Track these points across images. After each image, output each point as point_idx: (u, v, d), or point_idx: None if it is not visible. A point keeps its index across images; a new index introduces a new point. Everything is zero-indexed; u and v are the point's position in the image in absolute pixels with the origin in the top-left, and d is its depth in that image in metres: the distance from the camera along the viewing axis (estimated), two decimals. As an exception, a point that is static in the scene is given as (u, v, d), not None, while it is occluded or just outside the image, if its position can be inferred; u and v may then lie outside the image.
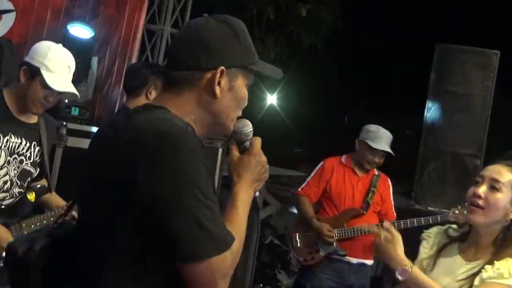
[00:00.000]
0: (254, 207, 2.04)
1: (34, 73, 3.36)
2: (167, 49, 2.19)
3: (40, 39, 6.53)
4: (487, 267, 2.72)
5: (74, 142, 5.48)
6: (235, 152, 2.04)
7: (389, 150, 5.33)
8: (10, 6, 6.34)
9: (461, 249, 2.88)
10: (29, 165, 3.54)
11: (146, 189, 1.73)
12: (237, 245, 1.82)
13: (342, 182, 5.35)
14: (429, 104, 6.81)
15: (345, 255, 5.21)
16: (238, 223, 1.91)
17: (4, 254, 3.03)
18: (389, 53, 10.72)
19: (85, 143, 5.31)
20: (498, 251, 2.77)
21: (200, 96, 1.95)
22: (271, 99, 16.02)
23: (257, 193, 2.04)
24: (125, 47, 8.14)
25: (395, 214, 5.52)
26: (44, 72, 3.34)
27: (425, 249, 2.99)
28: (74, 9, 7.23)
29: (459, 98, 6.70)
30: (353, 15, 11.89)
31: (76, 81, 5.97)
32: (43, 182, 3.71)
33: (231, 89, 1.98)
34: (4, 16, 6.26)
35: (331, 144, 5.96)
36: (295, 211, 5.99)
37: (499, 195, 2.74)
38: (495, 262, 2.73)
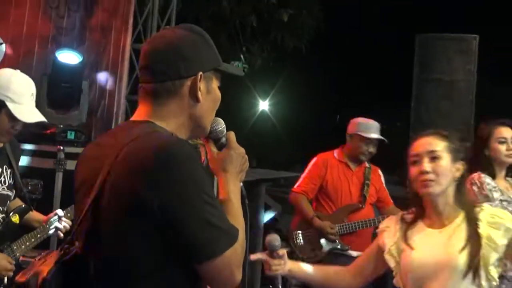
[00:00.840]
0: (242, 195, 2.07)
1: (1, 106, 3.30)
2: (141, 64, 2.13)
3: (30, 68, 6.58)
4: (483, 227, 2.81)
5: (73, 165, 5.44)
6: (214, 150, 2.10)
7: (382, 137, 5.37)
8: (-2, 39, 6.34)
9: (427, 224, 2.94)
10: (6, 189, 3.53)
11: (155, 203, 1.76)
12: (241, 235, 1.89)
13: (337, 177, 5.36)
14: (414, 93, 6.82)
15: (347, 250, 5.20)
16: (236, 215, 1.96)
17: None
18: (372, 50, 10.73)
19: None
20: (462, 206, 2.90)
21: (183, 103, 1.98)
22: (263, 105, 16.02)
23: (241, 184, 2.08)
24: (115, 69, 8.13)
25: (391, 201, 5.54)
26: (9, 105, 3.29)
27: (389, 239, 3.01)
28: (61, 37, 7.25)
29: (444, 85, 6.73)
30: (334, 16, 11.86)
31: (61, 105, 6.04)
32: (19, 202, 3.71)
33: (209, 92, 2.02)
34: (-4, 49, 6.24)
35: (323, 143, 5.92)
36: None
37: (442, 162, 2.85)
38: (478, 225, 2.82)
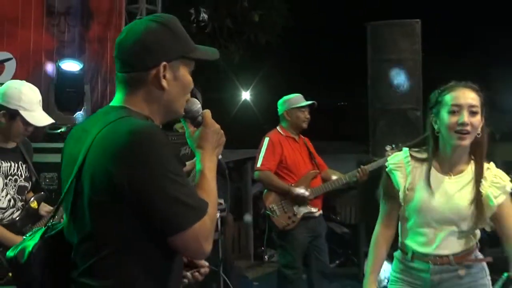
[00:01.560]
0: (222, 168, 2.03)
1: (14, 114, 3.36)
2: (115, 55, 2.09)
3: (40, 78, 6.55)
4: (485, 184, 2.74)
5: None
6: (192, 129, 2.02)
7: (312, 101, 5.37)
8: (8, 55, 6.31)
9: (437, 168, 2.81)
10: (23, 181, 3.54)
11: (129, 186, 1.71)
12: (212, 209, 1.83)
13: (291, 151, 5.29)
14: (370, 73, 6.83)
15: (316, 212, 5.21)
16: (209, 189, 1.89)
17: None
18: (331, 39, 10.73)
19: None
20: (475, 158, 2.78)
21: (151, 92, 1.89)
22: (245, 95, 16.04)
23: (220, 156, 2.02)
24: (112, 74, 8.08)
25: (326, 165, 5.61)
26: (23, 113, 3.34)
27: (403, 178, 2.83)
28: (64, 49, 7.24)
29: (394, 65, 6.73)
30: (300, 13, 11.86)
31: (67, 107, 6.02)
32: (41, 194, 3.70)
33: (176, 79, 1.90)
34: (6, 64, 6.21)
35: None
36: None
37: (478, 117, 2.70)
38: (485, 175, 2.75)
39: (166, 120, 2.00)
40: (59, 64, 6.23)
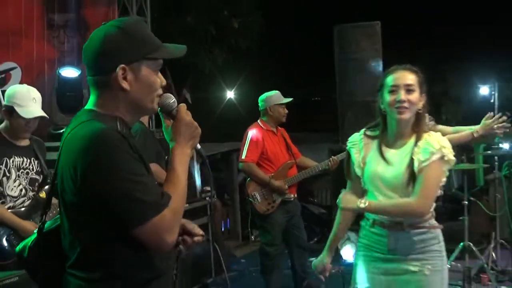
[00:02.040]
0: (201, 156, 1.96)
1: (11, 111, 3.43)
2: (83, 61, 2.06)
3: (43, 84, 6.53)
4: (416, 150, 2.73)
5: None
6: (168, 122, 1.90)
7: (290, 99, 5.39)
8: (14, 64, 6.29)
9: (385, 143, 2.83)
10: (34, 174, 3.58)
11: (87, 188, 1.66)
12: (176, 201, 1.73)
13: (272, 144, 5.28)
14: (337, 70, 6.87)
15: (291, 196, 5.24)
16: (177, 183, 1.78)
17: None
18: (303, 41, 10.74)
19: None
20: (416, 132, 2.78)
21: (115, 93, 1.79)
22: (230, 94, 16.05)
23: (198, 146, 1.91)
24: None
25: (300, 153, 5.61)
26: (17, 108, 3.39)
27: (356, 155, 2.88)
28: (64, 58, 7.20)
29: (358, 62, 6.77)
30: (274, 19, 11.86)
31: (68, 109, 6.01)
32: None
33: (138, 80, 1.78)
34: (12, 72, 6.19)
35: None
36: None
37: (415, 94, 2.73)
38: (418, 143, 2.74)
39: (138, 117, 1.94)
40: (60, 72, 6.26)
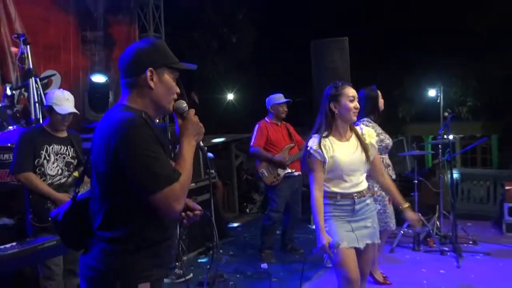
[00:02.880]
0: (201, 149, 1.99)
1: (51, 109, 3.51)
2: (118, 67, 2.11)
3: (78, 88, 6.54)
4: (365, 138, 3.07)
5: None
6: (180, 121, 1.94)
7: (288, 99, 5.47)
8: (54, 72, 6.28)
9: (336, 138, 3.02)
10: (69, 158, 3.62)
11: (117, 160, 1.72)
12: (184, 178, 1.77)
13: (274, 132, 5.36)
14: (314, 77, 6.83)
15: (293, 172, 5.25)
16: (184, 164, 1.82)
17: None
18: (288, 52, 10.70)
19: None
20: (352, 128, 3.10)
21: (143, 91, 1.86)
22: (230, 96, 16.05)
23: (201, 143, 1.96)
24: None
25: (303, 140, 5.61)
26: (55, 107, 3.48)
27: (324, 153, 2.96)
28: (95, 67, 7.21)
29: (331, 71, 6.72)
30: (264, 36, 11.81)
31: (98, 108, 6.02)
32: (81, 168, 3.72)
33: (161, 82, 1.87)
34: (53, 78, 6.19)
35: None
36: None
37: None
38: (360, 134, 3.09)
39: (159, 114, 1.97)
40: (91, 78, 6.26)
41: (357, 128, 3.11)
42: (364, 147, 3.02)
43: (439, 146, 5.86)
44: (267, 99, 5.49)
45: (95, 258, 1.80)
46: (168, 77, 1.89)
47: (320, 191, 2.99)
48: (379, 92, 4.39)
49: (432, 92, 10.62)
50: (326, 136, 2.99)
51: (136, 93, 1.87)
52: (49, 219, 3.36)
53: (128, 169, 1.71)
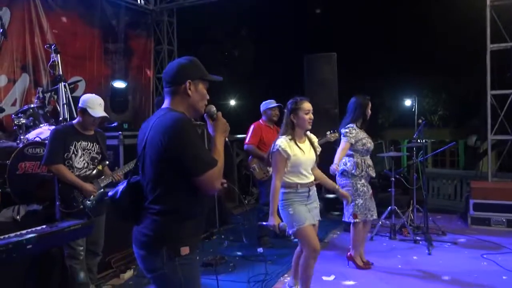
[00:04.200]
0: (227, 144, 2.10)
1: (85, 111, 3.48)
2: (163, 78, 2.19)
3: (101, 93, 6.53)
4: (314, 143, 3.41)
5: (129, 142, 5.45)
6: (211, 122, 2.10)
7: (279, 104, 5.30)
8: (80, 78, 6.27)
9: (296, 141, 3.32)
10: (95, 153, 3.61)
11: (170, 149, 1.85)
12: (219, 164, 1.93)
13: (267, 133, 5.27)
14: (306, 87, 6.84)
15: None
16: (219, 154, 1.99)
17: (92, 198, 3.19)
18: (284, 65, 10.69)
19: (132, 141, 5.33)
20: (306, 135, 3.42)
21: (182, 98, 2.01)
22: (232, 102, 16.08)
23: (227, 139, 2.10)
24: (147, 89, 8.04)
25: None
26: (89, 110, 3.46)
27: (289, 151, 3.27)
28: (115, 74, 7.22)
29: (320, 81, 6.74)
30: (263, 51, 11.79)
31: (118, 110, 6.02)
32: (105, 162, 3.75)
33: (197, 91, 2.02)
34: (79, 84, 6.18)
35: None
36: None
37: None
38: (311, 140, 3.43)
39: (194, 116, 2.09)
40: (112, 83, 6.27)
41: (308, 133, 3.42)
42: (314, 148, 3.39)
43: (414, 148, 5.86)
44: (261, 104, 5.42)
45: (146, 227, 1.94)
46: (201, 87, 2.04)
47: (279, 181, 3.28)
48: (369, 102, 4.34)
49: (408, 102, 10.67)
50: (290, 139, 3.30)
51: (177, 99, 2.02)
52: (74, 204, 3.39)
53: (181, 156, 1.85)
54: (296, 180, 3.29)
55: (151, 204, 1.93)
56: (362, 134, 4.26)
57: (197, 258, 2.03)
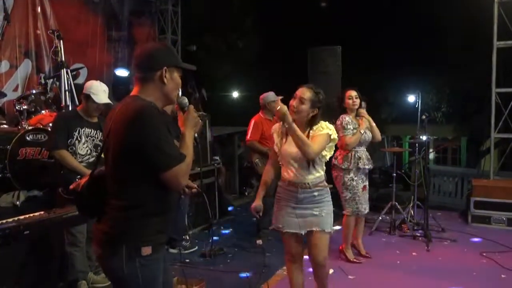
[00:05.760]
0: (196, 142, 2.01)
1: (88, 97, 3.48)
2: (134, 63, 2.10)
3: (103, 81, 6.48)
4: (311, 132, 2.81)
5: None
6: (181, 115, 1.99)
7: (281, 97, 5.28)
8: (82, 65, 6.23)
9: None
10: (98, 141, 3.59)
11: (132, 142, 1.73)
12: (187, 159, 1.82)
13: (267, 128, 5.14)
14: (310, 80, 6.81)
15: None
16: (187, 149, 1.87)
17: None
18: (287, 58, 10.61)
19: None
20: (309, 125, 2.82)
21: (156, 85, 1.87)
22: (235, 94, 16.05)
23: (195, 135, 1.98)
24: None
25: None
26: (92, 96, 3.46)
27: (277, 138, 2.95)
28: (118, 62, 7.18)
29: (324, 74, 6.71)
30: (267, 42, 11.70)
31: (121, 98, 5.98)
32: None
33: (172, 79, 1.89)
34: (81, 71, 6.14)
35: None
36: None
37: (303, 106, 2.78)
38: (313, 127, 2.82)
39: (165, 105, 1.97)
40: (115, 71, 6.21)
41: (320, 124, 2.84)
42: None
43: (416, 145, 5.84)
44: (263, 96, 5.32)
45: (106, 223, 1.83)
46: (176, 75, 1.92)
47: (270, 166, 3.02)
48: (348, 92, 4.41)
49: (411, 98, 10.58)
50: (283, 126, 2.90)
51: (150, 87, 1.87)
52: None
53: (145, 150, 1.72)
54: (285, 176, 2.93)
55: (112, 199, 1.82)
56: (354, 125, 4.27)
57: (162, 258, 1.90)
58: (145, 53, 1.89)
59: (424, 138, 5.66)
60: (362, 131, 4.23)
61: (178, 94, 1.97)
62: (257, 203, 2.96)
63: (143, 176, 1.77)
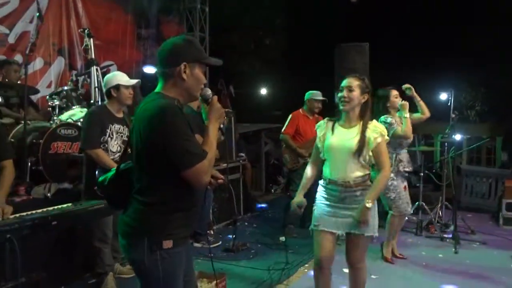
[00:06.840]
0: (220, 130, 1.95)
1: (118, 88, 3.47)
2: (157, 58, 2.12)
3: (132, 78, 6.65)
4: (368, 131, 2.73)
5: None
6: (205, 107, 1.96)
7: (324, 98, 5.36)
8: (112, 62, 6.40)
9: (340, 125, 2.84)
10: (125, 137, 3.60)
11: (153, 141, 1.74)
12: (210, 155, 1.81)
13: (304, 124, 5.28)
14: (337, 77, 6.72)
15: None
16: (210, 144, 1.86)
17: None
18: (314, 54, 10.51)
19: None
20: (362, 118, 2.78)
21: (176, 81, 1.85)
22: (263, 90, 16.03)
23: (221, 125, 1.96)
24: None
25: None
26: (120, 83, 3.45)
27: (321, 132, 2.88)
28: (147, 59, 7.34)
29: (352, 71, 6.58)
30: (295, 39, 11.64)
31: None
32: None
33: (193, 75, 1.86)
34: (111, 68, 6.31)
35: (296, 108, 5.78)
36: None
37: (354, 93, 2.75)
38: (367, 128, 2.73)
39: (188, 101, 1.96)
40: (143, 69, 6.34)
41: (372, 121, 2.81)
42: (363, 137, 2.73)
43: (445, 144, 5.70)
44: (307, 93, 5.39)
45: (130, 216, 1.86)
46: (198, 71, 1.89)
47: (312, 165, 2.98)
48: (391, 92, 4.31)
49: (443, 96, 10.30)
50: (331, 120, 2.87)
51: (171, 83, 1.86)
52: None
53: (167, 149, 1.72)
54: (327, 174, 2.85)
55: (136, 195, 1.84)
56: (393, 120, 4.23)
57: (184, 251, 1.90)
58: (165, 48, 1.88)
59: (458, 137, 5.51)
60: (406, 115, 4.15)
61: (201, 88, 1.93)
62: (300, 198, 2.94)
63: (166, 174, 1.78)
